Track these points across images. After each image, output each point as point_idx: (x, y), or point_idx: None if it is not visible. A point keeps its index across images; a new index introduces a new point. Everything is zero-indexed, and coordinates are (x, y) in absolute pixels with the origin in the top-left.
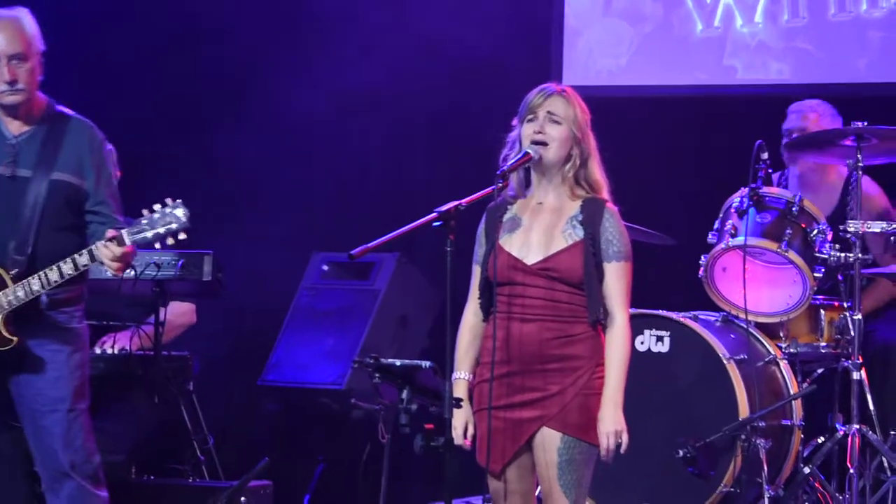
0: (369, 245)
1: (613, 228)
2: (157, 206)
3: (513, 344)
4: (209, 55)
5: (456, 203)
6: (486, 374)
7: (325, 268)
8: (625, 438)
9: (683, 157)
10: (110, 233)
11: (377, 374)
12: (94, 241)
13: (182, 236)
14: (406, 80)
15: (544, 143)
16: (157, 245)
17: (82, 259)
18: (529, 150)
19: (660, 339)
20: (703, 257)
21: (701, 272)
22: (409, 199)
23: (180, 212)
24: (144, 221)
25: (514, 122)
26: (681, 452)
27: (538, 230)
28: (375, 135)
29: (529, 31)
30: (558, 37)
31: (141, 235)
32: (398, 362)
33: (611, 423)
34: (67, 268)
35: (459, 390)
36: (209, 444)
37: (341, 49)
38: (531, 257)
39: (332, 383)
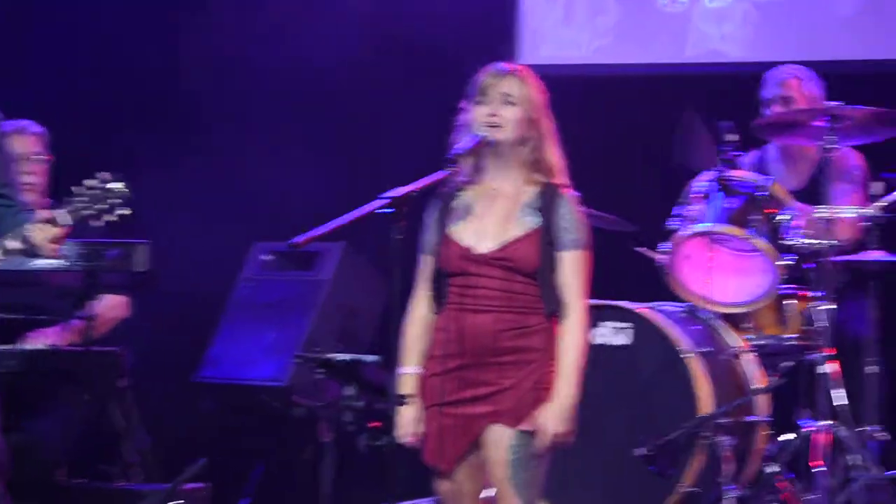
0: (313, 233)
1: (570, 215)
2: (90, 182)
3: (465, 336)
4: (141, 43)
5: (406, 189)
6: (436, 368)
7: (267, 257)
8: (566, 440)
9: (645, 138)
10: (44, 213)
11: (320, 370)
12: (5, 226)
13: (124, 211)
14: (350, 58)
15: (498, 126)
16: (98, 223)
17: (14, 243)
18: (483, 134)
19: (619, 331)
20: (665, 244)
21: (664, 260)
22: (356, 184)
23: (118, 186)
24: (81, 198)
25: (464, 104)
26: (640, 450)
27: (492, 218)
28: (319, 117)
29: (481, 6)
30: (512, 13)
31: (79, 213)
32: (343, 357)
33: (552, 423)
34: None
35: (407, 386)
36: (143, 445)
37: (276, 27)
38: (485, 246)
39: (273, 379)
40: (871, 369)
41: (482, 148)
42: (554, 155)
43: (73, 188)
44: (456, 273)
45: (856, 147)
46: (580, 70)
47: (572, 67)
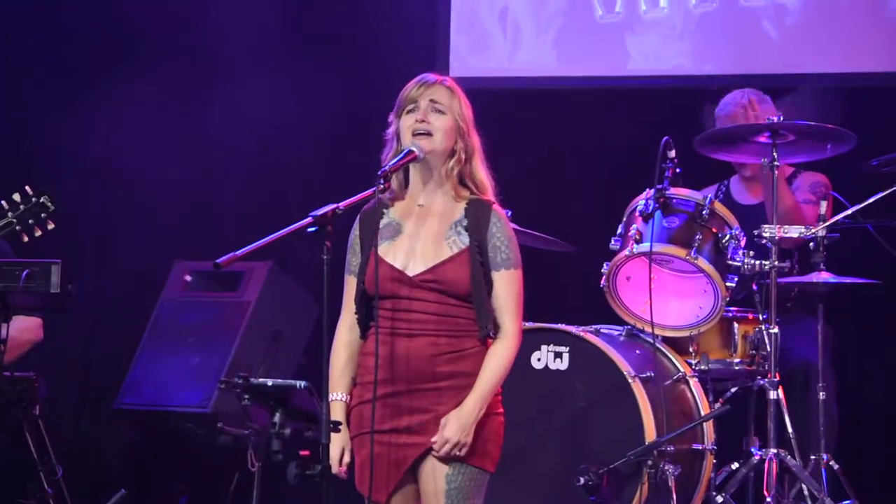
0: (238, 253)
1: (501, 234)
2: (17, 196)
3: (397, 361)
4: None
5: (333, 206)
6: (365, 395)
7: (189, 278)
8: (463, 452)
9: (583, 155)
10: None
11: (247, 396)
12: None
13: (51, 225)
14: (277, 70)
15: (428, 134)
16: (26, 237)
17: None
18: (413, 148)
19: (558, 355)
20: (605, 265)
21: (603, 281)
22: (281, 201)
23: (46, 199)
24: (9, 213)
25: (391, 117)
26: (582, 480)
27: (421, 237)
28: (243, 129)
29: (412, 16)
30: (445, 22)
31: (9, 229)
32: (270, 382)
33: (457, 432)
34: None
35: (336, 413)
36: (58, 475)
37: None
38: (414, 268)
39: (197, 406)
40: (821, 395)
41: (410, 162)
42: (482, 170)
43: (2, 202)
44: (385, 296)
45: (803, 165)
46: (515, 83)
47: (506, 80)
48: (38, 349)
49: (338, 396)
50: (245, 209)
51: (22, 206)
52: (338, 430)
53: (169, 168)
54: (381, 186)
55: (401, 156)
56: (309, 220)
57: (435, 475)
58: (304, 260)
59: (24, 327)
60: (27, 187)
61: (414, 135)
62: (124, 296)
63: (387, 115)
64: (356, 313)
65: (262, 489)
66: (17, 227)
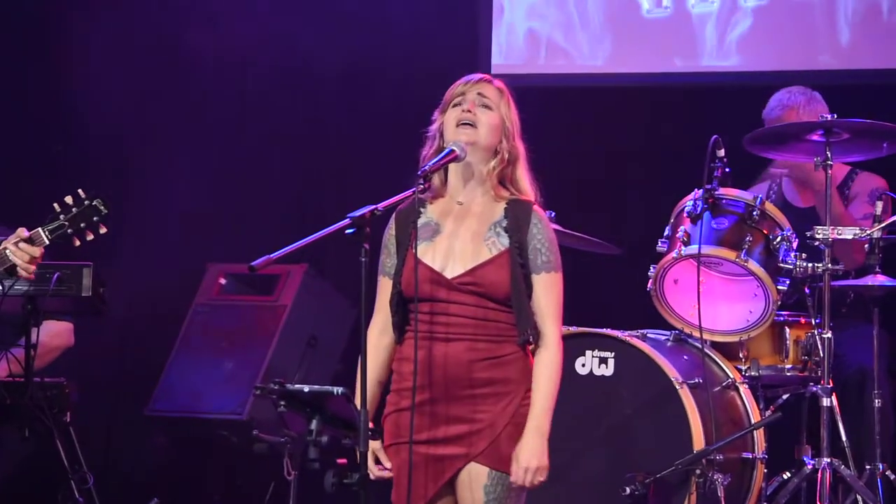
0: (273, 255)
1: (542, 235)
2: (69, 199)
3: (435, 367)
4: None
5: (371, 207)
6: (402, 402)
7: (223, 281)
8: (544, 475)
9: (629, 154)
10: (24, 232)
11: (282, 402)
12: None
13: (103, 230)
14: (317, 66)
15: (472, 125)
16: (77, 241)
17: None
18: (455, 148)
19: (603, 360)
20: (651, 268)
21: (650, 285)
22: (318, 202)
23: (99, 202)
24: (62, 216)
25: (435, 115)
26: (628, 489)
27: (460, 238)
28: (281, 129)
29: (453, 12)
30: (486, 17)
31: (61, 231)
32: (307, 388)
33: (531, 458)
34: None
35: (371, 421)
36: (89, 484)
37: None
38: (453, 270)
39: (232, 413)
40: (876, 402)
41: (452, 162)
42: (525, 179)
43: (55, 205)
44: (423, 298)
45: (859, 164)
46: (560, 80)
47: (551, 77)
48: (69, 354)
49: (372, 403)
50: (281, 211)
51: (74, 209)
52: (377, 438)
53: (203, 169)
54: (422, 186)
55: (441, 155)
56: (347, 221)
57: (472, 486)
58: (340, 263)
59: (55, 332)
60: (80, 190)
61: (458, 125)
62: (157, 299)
63: (424, 115)
64: (393, 316)
65: (299, 498)
66: (69, 231)
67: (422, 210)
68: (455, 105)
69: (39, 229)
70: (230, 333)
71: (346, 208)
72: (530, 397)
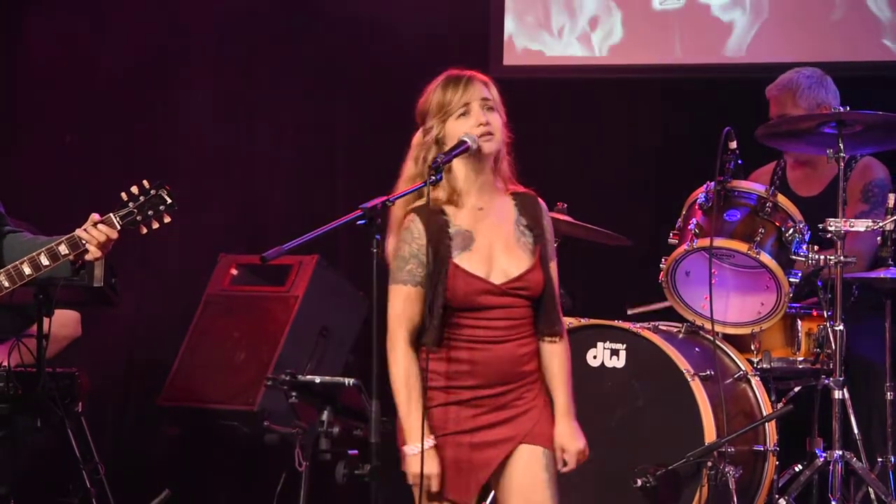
0: (284, 246)
1: (549, 227)
2: (135, 189)
3: (485, 368)
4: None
5: (383, 198)
6: (440, 398)
7: (235, 272)
8: (586, 455)
9: (640, 146)
10: (97, 216)
11: (294, 393)
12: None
13: (167, 219)
14: (325, 63)
15: (491, 135)
16: (144, 230)
17: (61, 248)
18: (467, 139)
19: (614, 352)
20: (663, 260)
21: (661, 277)
22: (329, 193)
23: (165, 192)
24: (130, 204)
25: (428, 122)
26: (639, 482)
27: (495, 244)
28: (290, 121)
29: (463, 4)
30: (499, 9)
31: (130, 219)
32: (318, 379)
33: (577, 440)
34: (44, 258)
35: (418, 431)
36: (100, 474)
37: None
38: (498, 276)
39: (243, 403)
40: (888, 395)
41: (463, 153)
42: (506, 162)
43: (122, 194)
44: (474, 307)
45: (875, 155)
46: (568, 72)
47: (559, 70)
48: (80, 344)
49: (430, 443)
50: (292, 201)
51: (142, 198)
52: (426, 446)
53: (214, 160)
54: (434, 180)
55: (456, 149)
56: (358, 212)
57: (532, 467)
58: (352, 254)
59: (63, 322)
60: (145, 181)
61: (481, 137)
62: (169, 290)
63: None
64: (432, 323)
65: (310, 489)
66: (138, 218)
67: (445, 217)
68: (462, 115)
69: (111, 215)
70: (241, 324)
71: (358, 199)
72: (545, 384)
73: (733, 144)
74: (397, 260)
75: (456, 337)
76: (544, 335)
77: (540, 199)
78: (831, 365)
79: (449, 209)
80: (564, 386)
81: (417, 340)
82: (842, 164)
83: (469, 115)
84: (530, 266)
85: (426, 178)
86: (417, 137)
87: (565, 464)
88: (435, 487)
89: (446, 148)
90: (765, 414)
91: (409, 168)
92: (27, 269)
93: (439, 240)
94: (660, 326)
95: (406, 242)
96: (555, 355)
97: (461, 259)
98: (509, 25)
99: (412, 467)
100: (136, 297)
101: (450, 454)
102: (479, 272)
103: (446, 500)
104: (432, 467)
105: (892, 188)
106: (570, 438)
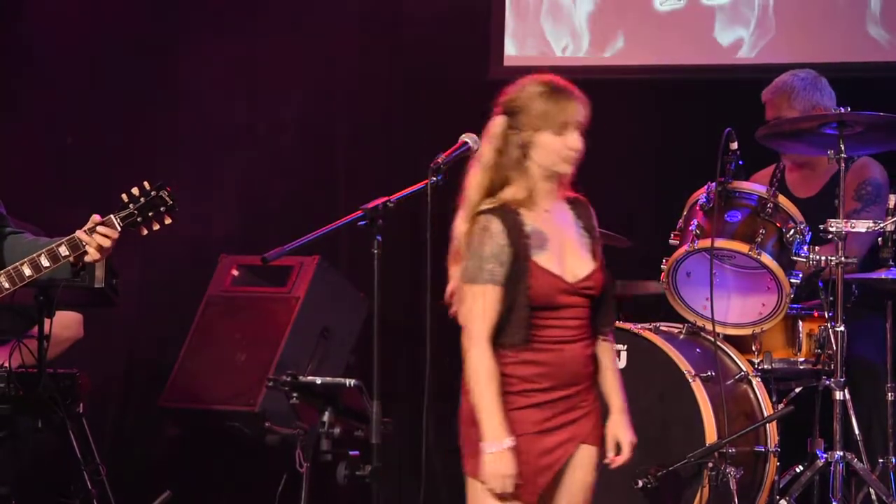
0: (286, 247)
1: (597, 226)
2: (136, 190)
3: (562, 367)
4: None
5: (384, 199)
6: (522, 401)
7: (236, 273)
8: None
9: (641, 147)
10: (98, 217)
11: (295, 394)
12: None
13: (168, 220)
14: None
15: (574, 160)
16: (145, 231)
17: (61, 249)
18: (468, 141)
19: (616, 353)
20: (664, 261)
21: (662, 278)
22: (330, 194)
23: (165, 193)
24: (130, 205)
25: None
26: (640, 482)
27: (565, 244)
28: (291, 119)
29: (467, 3)
30: (500, 9)
31: (131, 220)
32: (319, 380)
33: (628, 434)
34: (44, 260)
35: (503, 434)
36: (101, 475)
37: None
38: (571, 275)
39: (244, 404)
40: (889, 395)
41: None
42: None
43: (122, 196)
44: (555, 306)
45: (876, 156)
46: (571, 72)
47: (563, 70)
48: (82, 345)
49: (510, 443)
50: (293, 202)
51: (142, 199)
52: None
53: (214, 159)
54: (435, 181)
55: (457, 151)
56: (359, 212)
57: (587, 468)
58: (353, 254)
59: (65, 324)
60: (145, 182)
61: (568, 161)
62: (169, 291)
63: (436, 105)
64: (526, 325)
65: (311, 490)
66: (139, 220)
67: (521, 219)
68: (557, 133)
69: (111, 216)
70: (243, 325)
71: (359, 200)
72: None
73: (734, 145)
74: (475, 259)
75: (534, 338)
76: (599, 331)
77: (589, 204)
78: (832, 366)
79: (522, 210)
80: (617, 380)
81: (493, 340)
82: (843, 164)
83: (563, 135)
84: (595, 266)
85: (507, 169)
86: (502, 126)
87: (618, 454)
88: (510, 488)
89: (540, 157)
90: (766, 415)
91: (487, 154)
92: (27, 271)
93: (518, 239)
94: (661, 327)
95: (485, 242)
96: (607, 350)
97: (539, 258)
98: (510, 26)
99: (496, 466)
100: (136, 298)
101: (519, 455)
102: (556, 269)
103: (515, 501)
104: (510, 468)
105: (893, 189)
106: (626, 431)
